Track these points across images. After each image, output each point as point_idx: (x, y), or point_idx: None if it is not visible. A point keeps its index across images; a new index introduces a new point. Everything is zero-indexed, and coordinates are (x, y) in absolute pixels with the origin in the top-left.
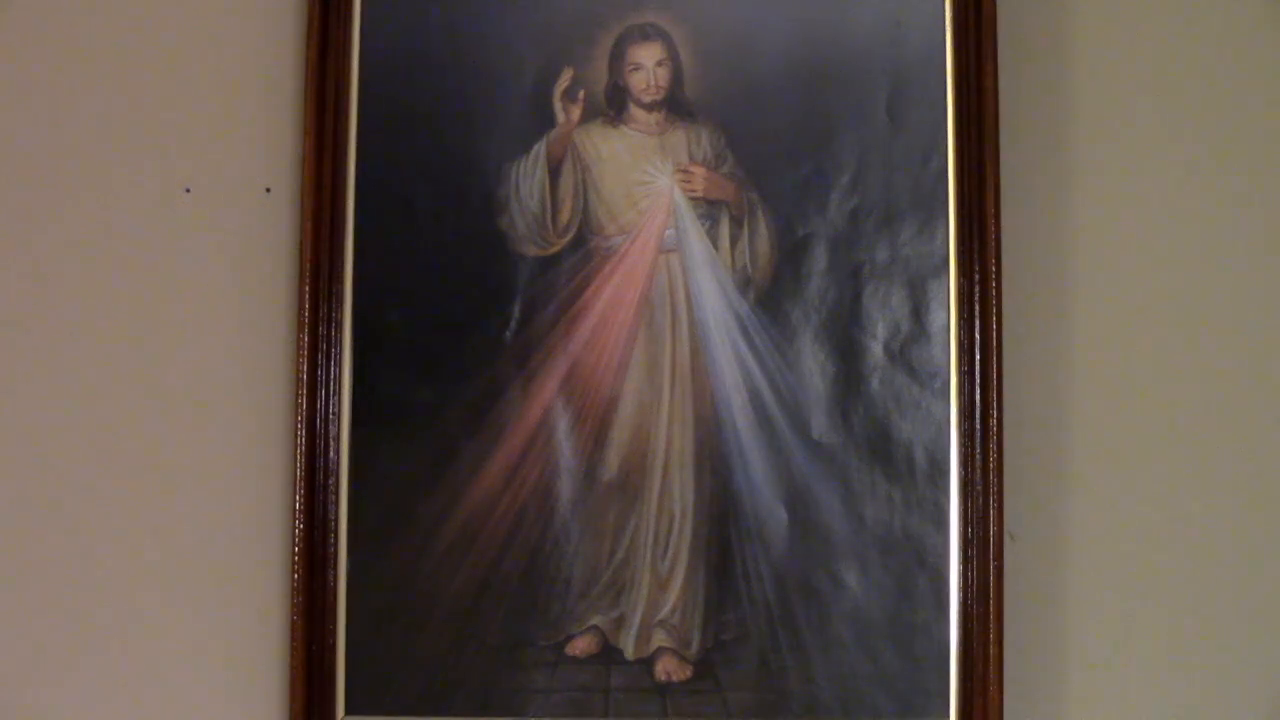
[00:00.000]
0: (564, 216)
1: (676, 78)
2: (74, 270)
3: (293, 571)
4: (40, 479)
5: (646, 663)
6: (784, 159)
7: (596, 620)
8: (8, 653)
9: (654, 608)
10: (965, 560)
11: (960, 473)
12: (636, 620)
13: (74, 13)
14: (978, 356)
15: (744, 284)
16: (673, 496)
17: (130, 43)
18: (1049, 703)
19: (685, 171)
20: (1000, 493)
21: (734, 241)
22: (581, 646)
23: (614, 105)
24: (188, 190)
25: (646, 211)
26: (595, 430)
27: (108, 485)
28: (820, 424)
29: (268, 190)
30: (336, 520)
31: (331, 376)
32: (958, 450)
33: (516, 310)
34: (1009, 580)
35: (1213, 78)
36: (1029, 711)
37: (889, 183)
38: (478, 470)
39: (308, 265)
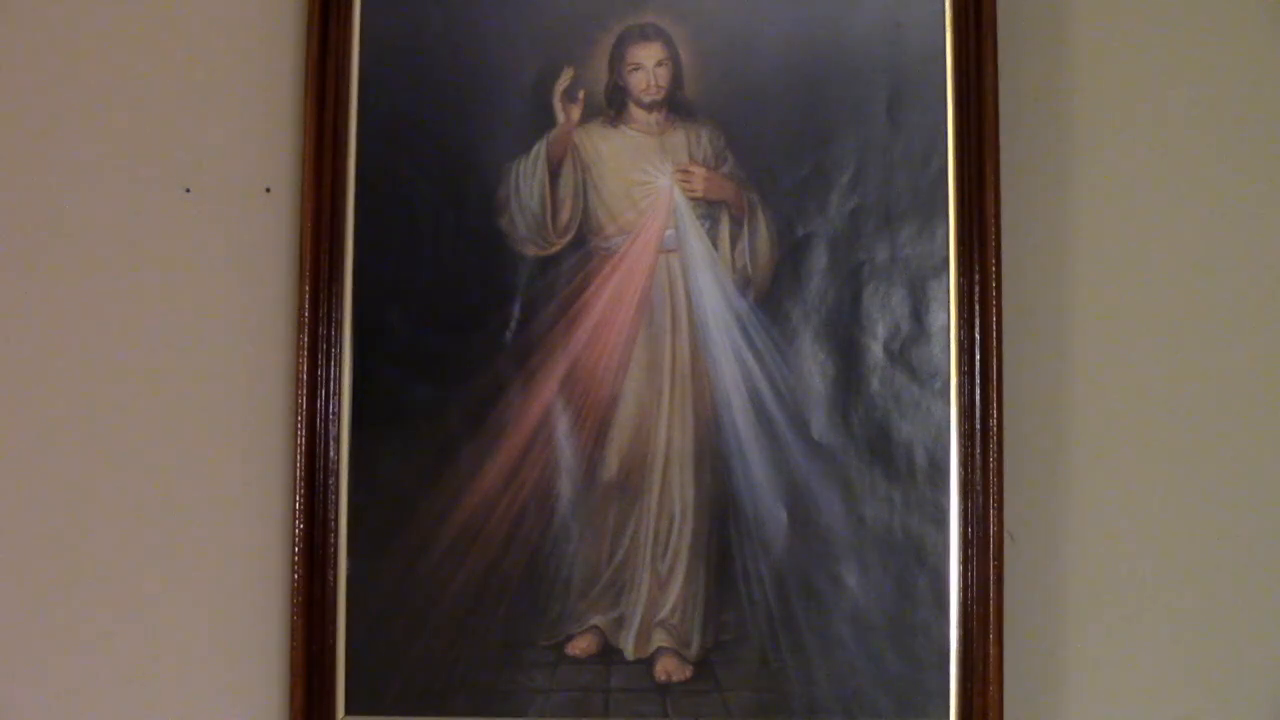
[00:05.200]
0: (564, 216)
1: (676, 78)
2: (74, 270)
3: (293, 571)
4: (40, 479)
5: (646, 663)
6: (784, 159)
7: (596, 620)
8: (8, 652)
9: (654, 608)
10: (965, 560)
11: (960, 473)
12: (636, 620)
13: (74, 12)
14: (978, 356)
15: (744, 284)
16: (673, 496)
17: (130, 43)
18: (1049, 703)
19: (685, 171)
20: (1000, 493)
21: (734, 241)
22: (581, 646)
23: (614, 105)
24: (188, 190)
25: (646, 211)
26: (595, 430)
27: (108, 485)
28: (820, 424)
29: (268, 190)
30: (336, 520)
31: (331, 376)
32: (958, 450)
33: (516, 310)
34: (1009, 580)
35: (1213, 77)
36: (1029, 711)
37: (889, 183)
38: (478, 470)
39: (308, 265)
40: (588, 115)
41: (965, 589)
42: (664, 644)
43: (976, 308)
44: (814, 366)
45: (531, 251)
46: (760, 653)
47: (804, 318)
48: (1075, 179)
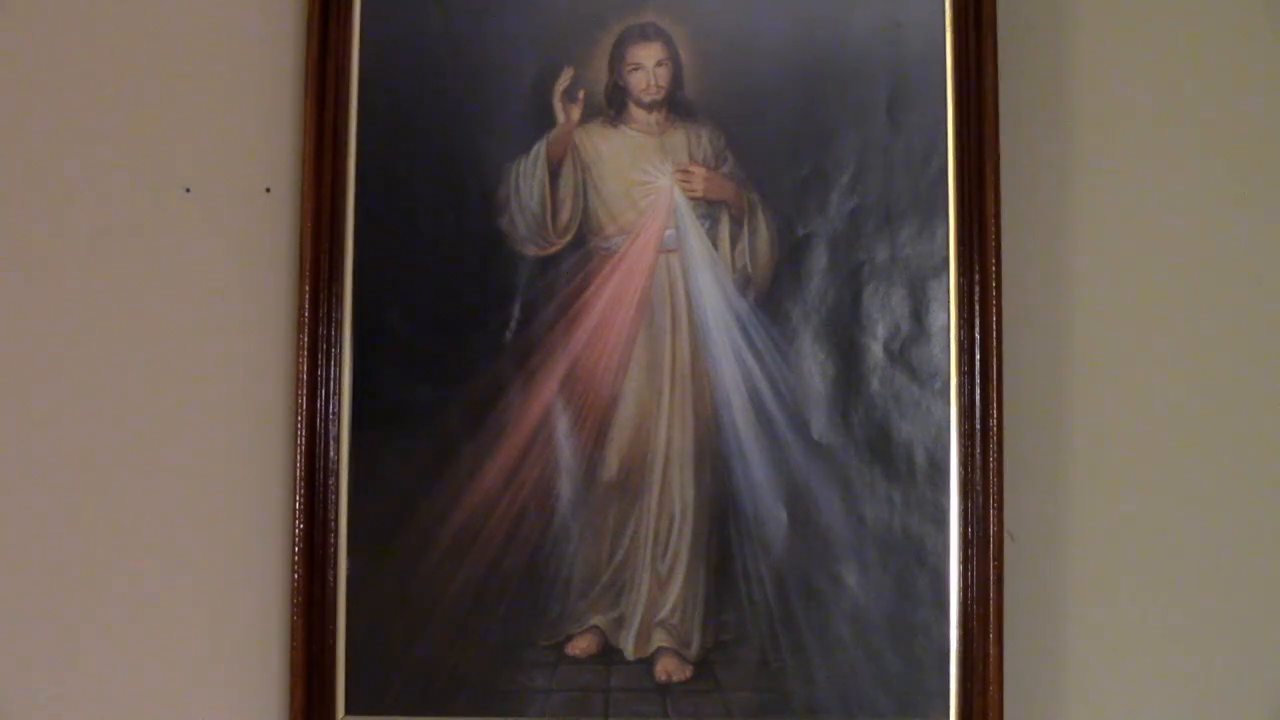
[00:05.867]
0: (564, 216)
1: (676, 78)
2: (74, 270)
3: (293, 571)
4: (40, 479)
5: (646, 663)
6: (784, 159)
7: (596, 620)
8: (8, 652)
9: (654, 608)
10: (965, 560)
11: (960, 473)
12: (636, 620)
13: (73, 12)
14: (978, 356)
15: (744, 284)
16: (672, 496)
17: (130, 42)
18: (1049, 703)
19: (685, 171)
20: (1000, 493)
21: (734, 241)
22: (581, 646)
23: (614, 105)
24: (188, 190)
25: (646, 211)
26: (595, 430)
27: (108, 485)
28: (820, 424)
29: (268, 190)
30: (336, 520)
31: (331, 376)
32: (958, 450)
33: (516, 310)
34: (1009, 580)
35: (1213, 77)
36: (1029, 711)
37: (889, 183)
38: (478, 470)
39: (308, 265)
40: (588, 115)
41: (965, 589)
42: (664, 644)
43: (976, 308)
44: (814, 366)
45: (531, 251)
46: (760, 653)
47: (804, 318)
48: (1075, 179)
